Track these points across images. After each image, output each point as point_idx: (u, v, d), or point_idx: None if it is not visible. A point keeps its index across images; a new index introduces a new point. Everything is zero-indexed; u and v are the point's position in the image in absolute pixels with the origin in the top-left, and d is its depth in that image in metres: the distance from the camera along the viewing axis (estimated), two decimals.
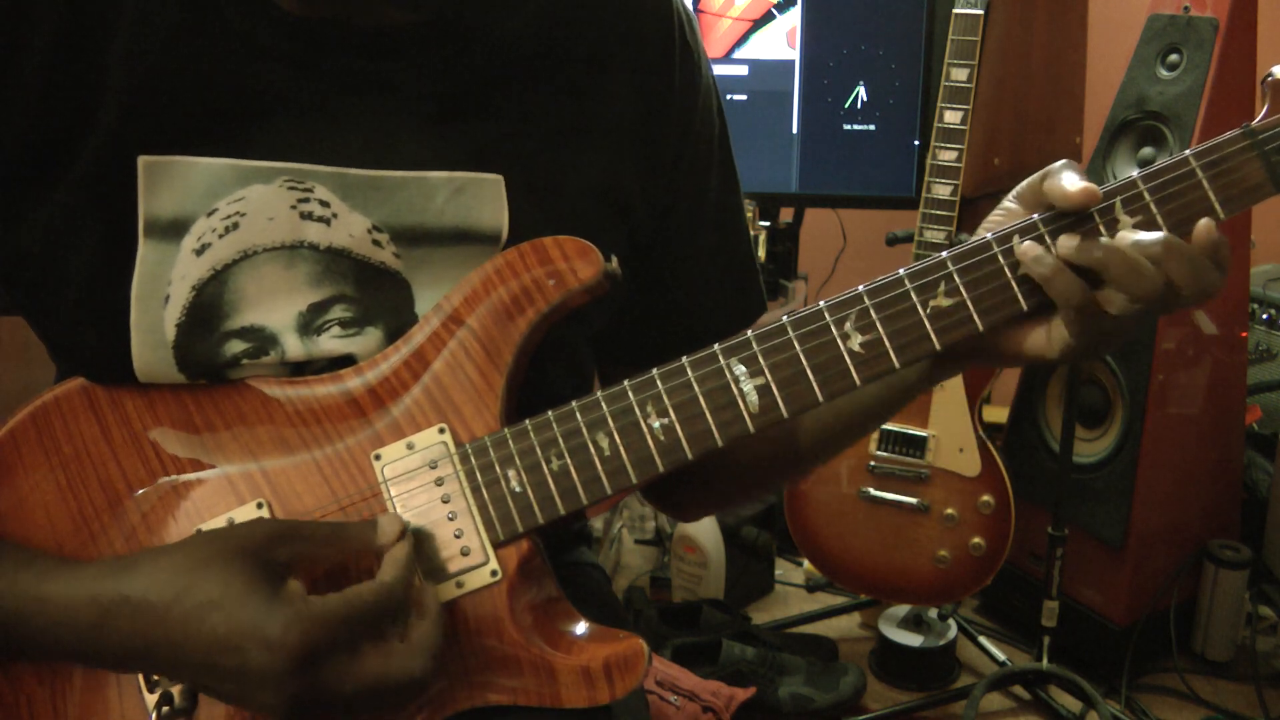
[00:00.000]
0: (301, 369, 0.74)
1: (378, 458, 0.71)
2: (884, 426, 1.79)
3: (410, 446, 0.71)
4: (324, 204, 0.72)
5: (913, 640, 1.92)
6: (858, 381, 0.68)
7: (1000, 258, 0.67)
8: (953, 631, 1.94)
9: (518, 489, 0.70)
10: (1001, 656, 1.92)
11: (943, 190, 1.70)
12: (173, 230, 0.71)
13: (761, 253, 1.99)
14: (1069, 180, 0.65)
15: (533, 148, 0.76)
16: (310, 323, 0.73)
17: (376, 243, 0.73)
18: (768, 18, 1.91)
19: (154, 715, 0.69)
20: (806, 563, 2.21)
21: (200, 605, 0.62)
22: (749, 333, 0.69)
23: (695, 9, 1.94)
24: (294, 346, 0.73)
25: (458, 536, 0.70)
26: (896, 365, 0.68)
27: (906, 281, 0.68)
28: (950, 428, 1.77)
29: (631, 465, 0.70)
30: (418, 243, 0.73)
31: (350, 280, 0.73)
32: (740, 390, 0.69)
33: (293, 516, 0.71)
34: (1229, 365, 1.89)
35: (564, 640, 0.71)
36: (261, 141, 0.71)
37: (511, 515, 0.70)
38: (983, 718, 1.83)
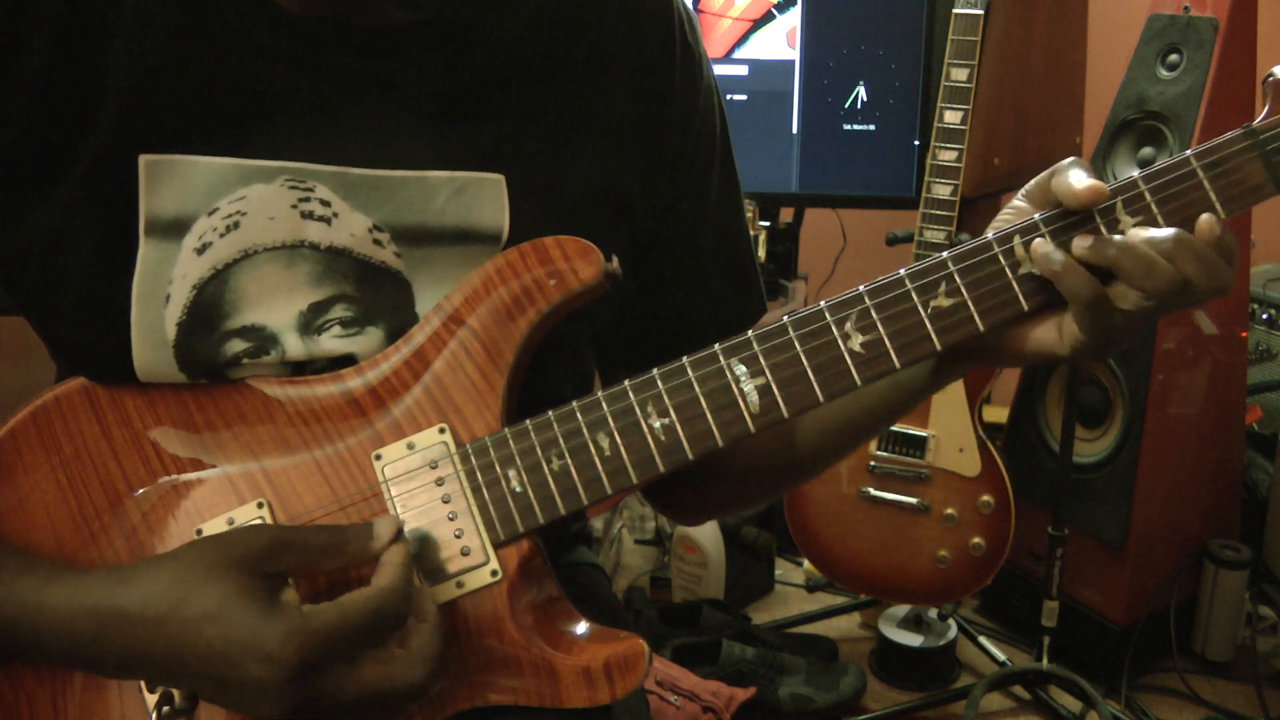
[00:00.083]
0: (302, 368, 0.74)
1: (378, 457, 0.71)
2: None
3: (411, 446, 0.71)
4: (325, 203, 0.72)
5: (913, 640, 1.92)
6: (858, 382, 0.68)
7: (1001, 258, 0.67)
8: (953, 631, 1.94)
9: (518, 489, 0.70)
10: (1001, 656, 1.92)
11: (943, 190, 1.70)
12: (174, 229, 0.71)
13: (761, 253, 1.99)
14: (1076, 178, 0.65)
15: (533, 147, 0.75)
16: (311, 322, 0.73)
17: (377, 242, 0.73)
18: (768, 18, 1.91)
19: (154, 715, 0.69)
20: (806, 563, 2.21)
21: (197, 618, 0.62)
22: (750, 333, 0.69)
23: (695, 9, 1.94)
24: (294, 346, 0.73)
25: (458, 536, 0.70)
26: (897, 365, 0.68)
27: (907, 281, 0.68)
28: (950, 428, 1.77)
29: (632, 465, 0.70)
30: (418, 242, 0.73)
31: (351, 280, 0.73)
32: (741, 390, 0.69)
33: (293, 516, 0.71)
34: (1229, 365, 1.89)
35: (564, 640, 0.71)
36: (262, 141, 0.71)
37: (512, 515, 0.70)
38: (983, 718, 1.83)
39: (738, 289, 0.88)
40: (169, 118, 0.70)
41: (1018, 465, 1.89)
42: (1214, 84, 1.68)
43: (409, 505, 0.71)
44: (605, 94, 0.78)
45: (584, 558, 0.99)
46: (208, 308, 0.72)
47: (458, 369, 0.72)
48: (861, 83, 1.90)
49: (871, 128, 1.91)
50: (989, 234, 0.68)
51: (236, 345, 0.72)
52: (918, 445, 1.78)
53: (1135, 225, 0.66)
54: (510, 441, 0.71)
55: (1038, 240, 0.66)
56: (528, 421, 0.71)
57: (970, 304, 0.67)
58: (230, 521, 0.71)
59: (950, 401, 1.75)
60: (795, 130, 1.94)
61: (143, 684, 0.70)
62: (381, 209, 0.73)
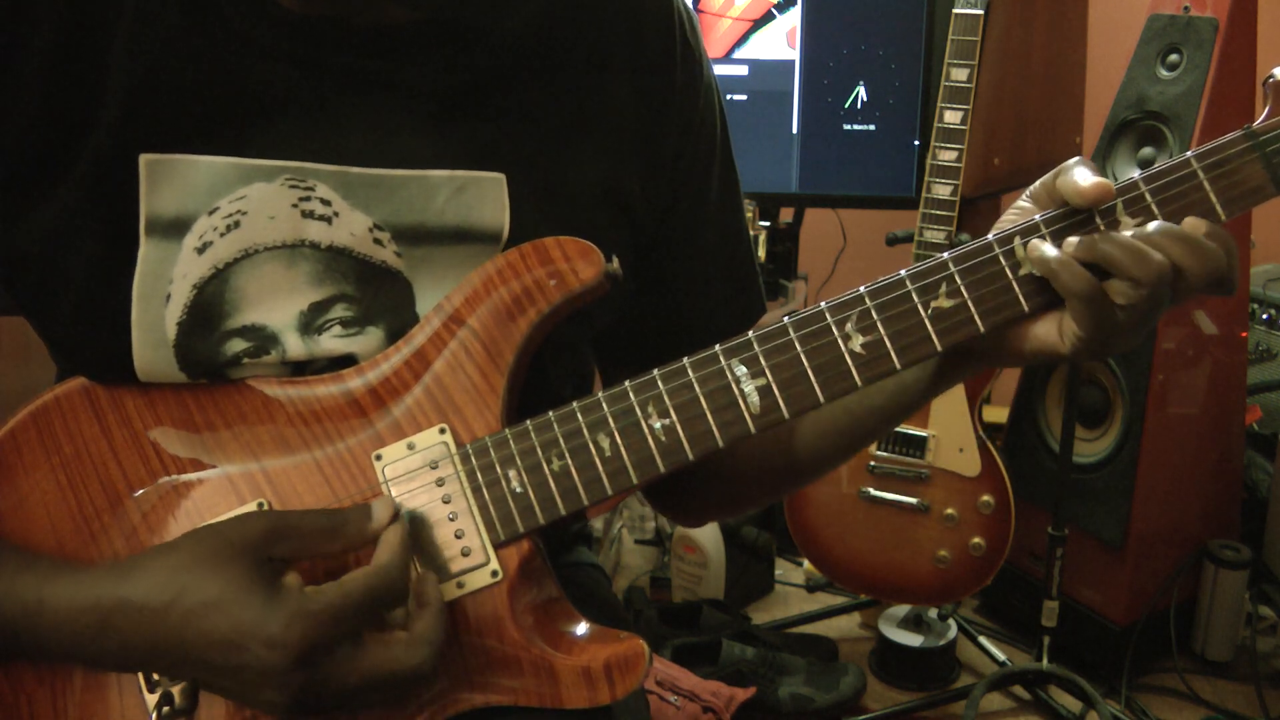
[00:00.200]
0: (302, 368, 0.74)
1: (378, 458, 0.71)
2: None
3: (411, 447, 0.71)
4: (325, 202, 0.72)
5: (913, 640, 1.92)
6: (859, 382, 0.68)
7: (1001, 259, 0.67)
8: (953, 631, 1.94)
9: (518, 489, 0.70)
10: (1001, 656, 1.92)
11: (943, 190, 1.70)
12: (174, 229, 0.71)
13: (761, 253, 1.99)
14: (1082, 176, 0.65)
15: (534, 147, 0.75)
16: (311, 322, 0.73)
17: (378, 241, 0.73)
18: (768, 18, 1.91)
19: (154, 715, 0.69)
20: (806, 563, 2.21)
21: (200, 605, 0.62)
22: (750, 333, 0.69)
23: (695, 9, 1.94)
24: (295, 346, 0.73)
25: (459, 537, 0.70)
26: (898, 366, 0.68)
27: (908, 282, 0.68)
28: (950, 428, 1.77)
29: (632, 466, 0.70)
30: (419, 242, 0.73)
31: (351, 279, 0.73)
32: (741, 391, 0.69)
33: None
34: (1229, 365, 1.89)
35: (565, 641, 0.71)
36: (263, 140, 0.71)
37: (512, 515, 0.70)
38: (983, 718, 1.83)
39: (738, 289, 0.88)
40: (169, 117, 0.70)
41: (1018, 465, 1.89)
42: (1214, 84, 1.68)
43: (409, 505, 0.71)
44: (606, 93, 0.78)
45: (584, 558, 0.99)
46: (208, 307, 0.72)
47: (458, 369, 0.72)
48: (861, 83, 1.90)
49: (871, 128, 1.91)
50: (990, 235, 0.68)
51: (237, 345, 0.72)
52: (918, 445, 1.78)
53: (1136, 226, 0.66)
54: (510, 442, 0.71)
55: (1034, 240, 0.66)
56: (528, 422, 0.71)
57: (971, 305, 0.67)
58: None
59: (950, 401, 1.75)
60: (795, 130, 1.94)
61: (142, 684, 0.70)
62: (382, 208, 0.73)
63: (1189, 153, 0.66)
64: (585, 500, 0.70)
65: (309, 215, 0.72)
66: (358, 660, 0.63)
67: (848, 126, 1.92)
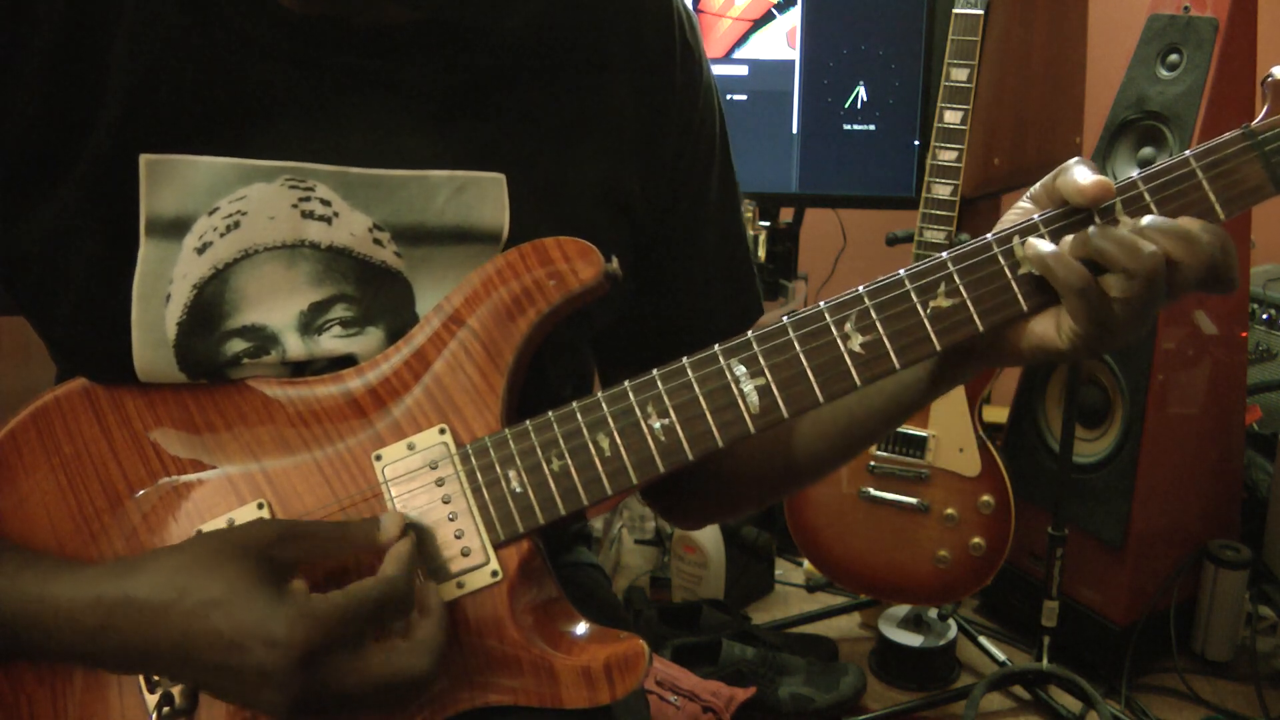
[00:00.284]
0: (302, 368, 0.74)
1: (378, 458, 0.71)
2: None
3: (411, 447, 0.71)
4: (325, 203, 0.72)
5: (913, 640, 1.92)
6: (858, 382, 0.68)
7: (1000, 258, 0.67)
8: (953, 631, 1.94)
9: (518, 489, 0.70)
10: (1001, 656, 1.92)
11: (943, 190, 1.70)
12: (174, 229, 0.71)
13: (761, 253, 1.99)
14: (1082, 174, 0.65)
15: (534, 147, 0.76)
16: (311, 322, 0.73)
17: (378, 242, 0.73)
18: (768, 18, 1.91)
19: (154, 715, 0.69)
20: (806, 563, 2.21)
21: (203, 604, 0.62)
22: (749, 333, 0.69)
23: (695, 9, 1.94)
24: (295, 346, 0.73)
25: (458, 537, 0.70)
26: (897, 366, 0.68)
27: (907, 282, 0.68)
28: (950, 428, 1.77)
29: (632, 466, 0.70)
30: (419, 242, 0.73)
31: (351, 279, 0.73)
32: (741, 391, 0.69)
33: (293, 516, 0.71)
34: (1229, 365, 1.89)
35: (564, 640, 0.71)
36: (263, 140, 0.71)
37: (512, 515, 0.70)
38: (983, 718, 1.83)
39: (737, 289, 0.88)
40: (169, 117, 0.70)
41: (1018, 465, 1.89)
42: (1214, 84, 1.68)
43: (409, 506, 0.71)
44: (606, 93, 0.78)
45: (584, 558, 0.99)
46: (208, 307, 0.72)
47: (458, 369, 0.72)
48: (861, 83, 1.90)
49: (871, 128, 1.91)
50: (989, 235, 0.68)
51: (237, 345, 0.72)
52: (918, 445, 1.78)
53: None
54: (510, 442, 0.71)
55: (1029, 240, 0.66)
56: (528, 422, 0.71)
57: (970, 304, 0.67)
58: (230, 522, 0.71)
59: (950, 401, 1.75)
60: (795, 130, 1.94)
61: (142, 684, 0.70)
62: (382, 208, 0.73)
63: (1188, 152, 0.66)
64: (585, 500, 0.70)
65: (309, 215, 0.72)
66: (359, 665, 0.63)
67: (848, 126, 1.92)
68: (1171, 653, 1.88)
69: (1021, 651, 1.99)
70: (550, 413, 0.71)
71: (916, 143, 1.89)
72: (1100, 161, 1.80)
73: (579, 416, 0.70)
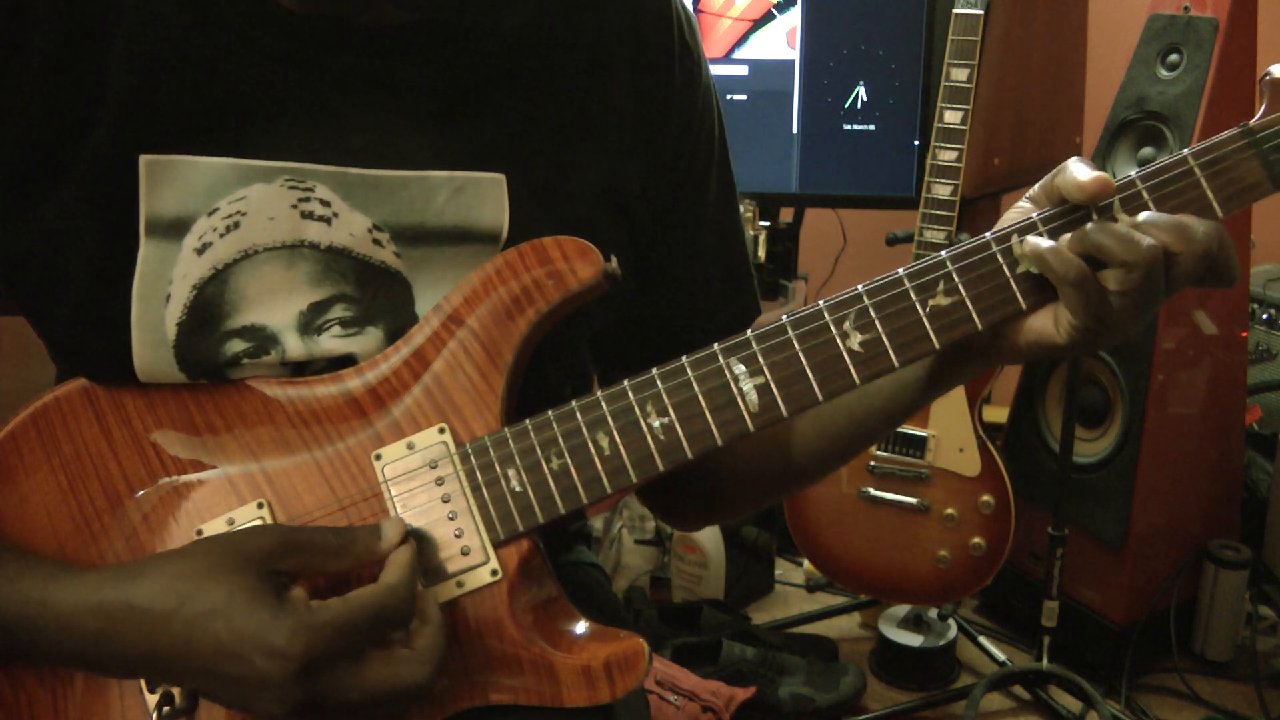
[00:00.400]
0: (302, 369, 0.74)
1: (378, 458, 0.71)
2: None
3: (410, 446, 0.71)
4: (325, 203, 0.72)
5: (913, 640, 1.92)
6: (857, 381, 0.68)
7: (999, 257, 0.67)
8: (953, 631, 1.94)
9: (518, 488, 0.70)
10: (1001, 656, 1.92)
11: (943, 190, 1.70)
12: (174, 229, 0.71)
13: (761, 253, 1.99)
14: (1081, 171, 0.65)
15: (534, 147, 0.76)
16: (310, 322, 0.73)
17: (377, 242, 0.73)
18: (768, 18, 1.92)
19: (155, 716, 0.69)
20: (806, 563, 2.21)
21: (204, 613, 0.62)
22: (749, 332, 0.69)
23: (695, 9, 1.94)
24: (294, 346, 0.73)
25: (458, 536, 0.70)
26: (896, 364, 0.68)
27: (906, 281, 0.68)
28: (950, 428, 1.77)
29: (631, 465, 0.70)
30: (418, 242, 0.73)
31: (351, 280, 0.73)
32: (740, 390, 0.69)
33: (293, 516, 0.71)
34: (1229, 365, 1.89)
35: (564, 640, 0.71)
36: (263, 141, 0.71)
37: (511, 515, 0.70)
38: (983, 718, 1.83)
39: (735, 289, 0.88)
40: (169, 117, 0.70)
41: (1018, 465, 1.89)
42: (1214, 84, 1.68)
43: (409, 505, 0.71)
44: (605, 93, 0.78)
45: (584, 557, 0.99)
46: (208, 308, 0.72)
47: (457, 369, 0.72)
48: (861, 83, 1.90)
49: (871, 128, 1.91)
50: (987, 234, 0.68)
51: (236, 345, 0.72)
52: (918, 445, 1.78)
53: None
54: (510, 441, 0.71)
55: (1028, 238, 0.66)
56: (527, 421, 0.71)
57: (968, 303, 0.67)
58: (230, 522, 0.71)
59: (950, 401, 1.75)
60: (795, 130, 1.94)
61: (143, 684, 0.70)
62: (381, 209, 0.73)
63: (1186, 150, 0.66)
64: (584, 499, 0.70)
65: (308, 216, 0.72)
66: (359, 675, 0.63)
67: (848, 126, 1.92)
68: (1171, 653, 1.88)
69: (1021, 651, 1.99)
70: (550, 412, 0.71)
71: (916, 143, 1.89)
72: (1100, 161, 1.80)
73: (578, 416, 0.70)
